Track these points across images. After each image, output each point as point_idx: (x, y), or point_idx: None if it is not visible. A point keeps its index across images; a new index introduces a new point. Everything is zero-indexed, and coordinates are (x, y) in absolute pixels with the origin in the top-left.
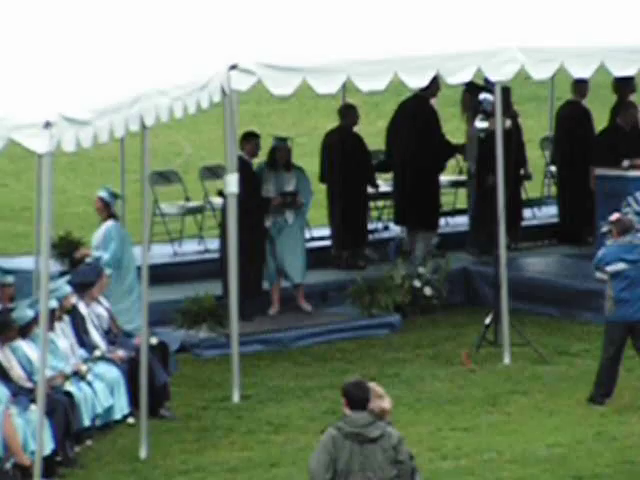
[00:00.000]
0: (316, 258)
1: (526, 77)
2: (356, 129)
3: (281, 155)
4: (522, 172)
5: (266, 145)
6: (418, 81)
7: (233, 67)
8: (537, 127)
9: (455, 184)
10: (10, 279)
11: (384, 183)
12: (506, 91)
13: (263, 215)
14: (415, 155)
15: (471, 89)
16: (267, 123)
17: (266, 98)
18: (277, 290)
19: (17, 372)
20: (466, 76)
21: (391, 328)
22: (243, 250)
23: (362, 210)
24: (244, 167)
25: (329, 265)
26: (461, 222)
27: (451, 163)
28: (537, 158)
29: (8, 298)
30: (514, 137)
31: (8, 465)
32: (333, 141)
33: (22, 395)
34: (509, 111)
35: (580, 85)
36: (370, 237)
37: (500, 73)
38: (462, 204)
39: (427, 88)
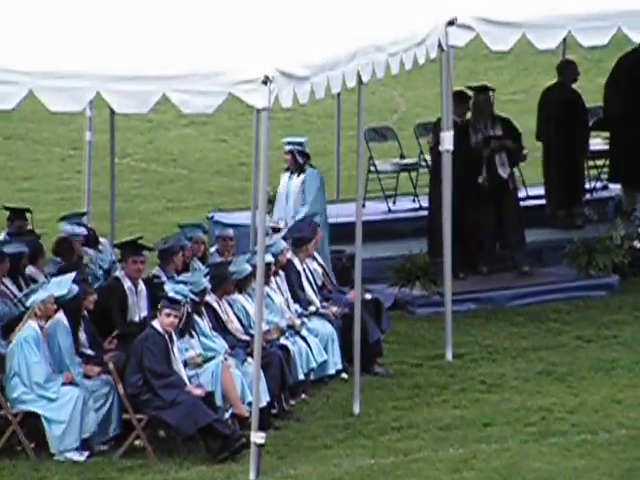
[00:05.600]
0: (532, 217)
1: None
2: (575, 86)
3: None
4: None
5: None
6: None
7: (451, 22)
8: None
9: None
10: (231, 232)
11: (602, 141)
12: None
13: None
14: (632, 110)
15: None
16: (483, 80)
17: (483, 54)
18: None
19: (235, 325)
20: None
21: (609, 289)
22: (460, 208)
23: (579, 168)
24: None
25: (545, 224)
26: None
27: None
28: None
29: (229, 251)
30: None
31: (227, 415)
32: (551, 98)
33: (239, 348)
34: None
35: None
36: (587, 196)
37: None
38: None
39: None
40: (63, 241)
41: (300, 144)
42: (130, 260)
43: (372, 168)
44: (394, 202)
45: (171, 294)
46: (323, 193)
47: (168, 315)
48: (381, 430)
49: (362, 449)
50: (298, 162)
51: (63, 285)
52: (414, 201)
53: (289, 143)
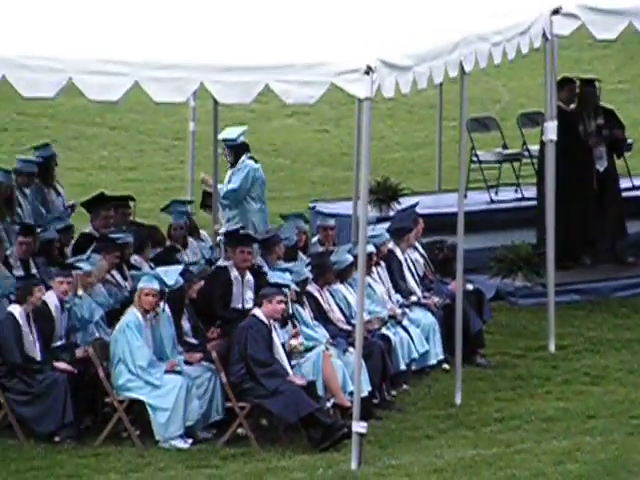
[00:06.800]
0: (638, 208)
1: None
2: None
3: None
4: None
5: None
6: None
7: (556, 11)
8: None
9: None
10: (332, 222)
11: None
12: None
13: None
14: None
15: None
16: (588, 70)
17: (588, 43)
18: None
19: (336, 315)
20: None
21: None
22: (565, 198)
23: None
24: (560, 115)
25: None
26: None
27: None
28: None
29: (330, 241)
30: None
31: (328, 405)
32: None
33: (340, 337)
34: None
35: None
36: None
37: None
38: None
39: None
40: (154, 229)
41: (232, 140)
42: (237, 250)
43: (474, 158)
44: (496, 192)
45: (276, 280)
46: (249, 186)
47: (280, 302)
48: (483, 421)
49: (464, 440)
50: (233, 156)
51: (170, 276)
52: (516, 191)
53: (222, 140)
